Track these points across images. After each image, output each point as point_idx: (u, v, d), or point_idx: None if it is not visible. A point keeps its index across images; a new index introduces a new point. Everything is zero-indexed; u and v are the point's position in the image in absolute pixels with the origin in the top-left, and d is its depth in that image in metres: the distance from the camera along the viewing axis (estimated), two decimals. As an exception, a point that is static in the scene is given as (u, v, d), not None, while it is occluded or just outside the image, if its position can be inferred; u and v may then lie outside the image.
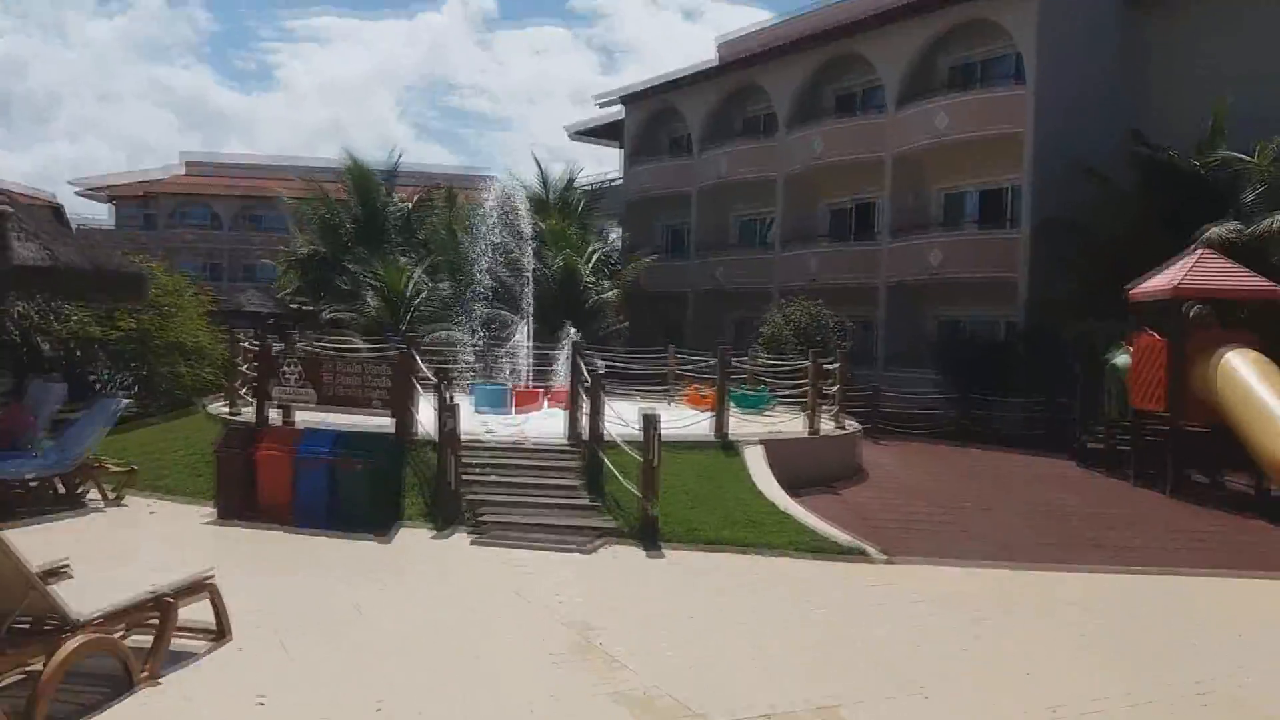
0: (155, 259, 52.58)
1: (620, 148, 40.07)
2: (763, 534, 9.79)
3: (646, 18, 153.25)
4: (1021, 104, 25.23)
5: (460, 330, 27.61)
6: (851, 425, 16.28)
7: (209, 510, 10.54)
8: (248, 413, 12.37)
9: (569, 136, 43.87)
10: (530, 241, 30.87)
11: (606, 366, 19.54)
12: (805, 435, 14.36)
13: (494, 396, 16.46)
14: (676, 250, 37.03)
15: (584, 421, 11.69)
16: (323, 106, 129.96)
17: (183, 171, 65.48)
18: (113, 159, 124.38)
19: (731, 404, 19.80)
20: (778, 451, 13.02)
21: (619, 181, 39.42)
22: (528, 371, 18.99)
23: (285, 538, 9.64)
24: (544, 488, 10.76)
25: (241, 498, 10.30)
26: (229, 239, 61.97)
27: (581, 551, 9.27)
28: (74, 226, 56.37)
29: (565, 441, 11.92)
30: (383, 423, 11.02)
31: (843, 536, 9.88)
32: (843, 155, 29.43)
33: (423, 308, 30.63)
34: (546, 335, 25.80)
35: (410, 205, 36.55)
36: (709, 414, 17.10)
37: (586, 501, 10.52)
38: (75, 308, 19.29)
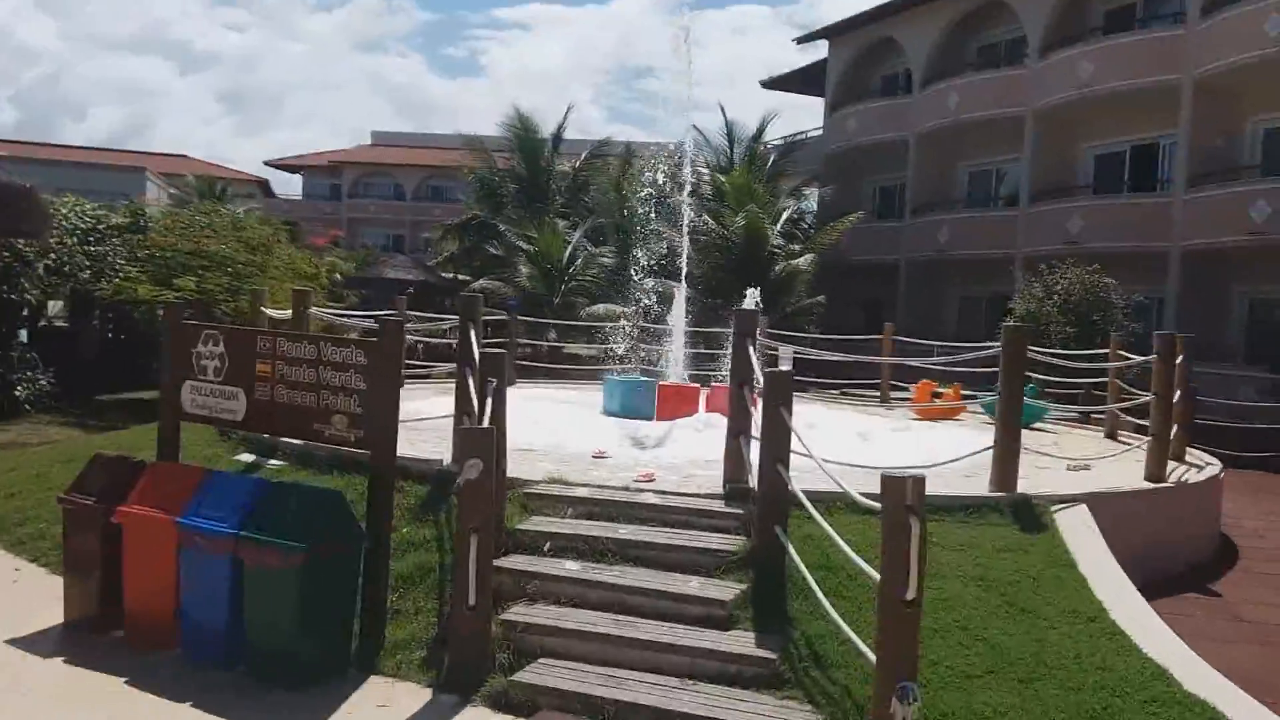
0: (339, 229, 51.40)
1: (821, 96, 33.84)
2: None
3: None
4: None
5: (624, 306, 22.80)
6: (1207, 464, 9.89)
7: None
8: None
9: (761, 85, 37.88)
10: (708, 200, 25.49)
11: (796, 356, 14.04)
12: (1144, 486, 8.23)
13: (631, 395, 11.17)
14: (886, 212, 30.61)
15: (754, 455, 6.21)
16: (523, 91, 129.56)
17: (368, 144, 64.33)
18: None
19: (985, 413, 13.90)
20: (1106, 517, 7.09)
21: (818, 134, 33.28)
22: (682, 360, 13.54)
23: (121, 703, 4.69)
24: (666, 601, 5.33)
25: (101, 594, 5.47)
26: (411, 210, 59.90)
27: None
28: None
29: (719, 494, 6.46)
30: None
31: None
32: (1119, 82, 22.14)
33: (581, 277, 25.97)
34: (724, 313, 20.44)
35: (577, 165, 31.93)
36: (954, 427, 11.39)
37: (750, 647, 5.01)
38: (127, 262, 15.54)
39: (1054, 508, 7.04)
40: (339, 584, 5.00)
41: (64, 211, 15.62)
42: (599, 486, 6.58)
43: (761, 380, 5.78)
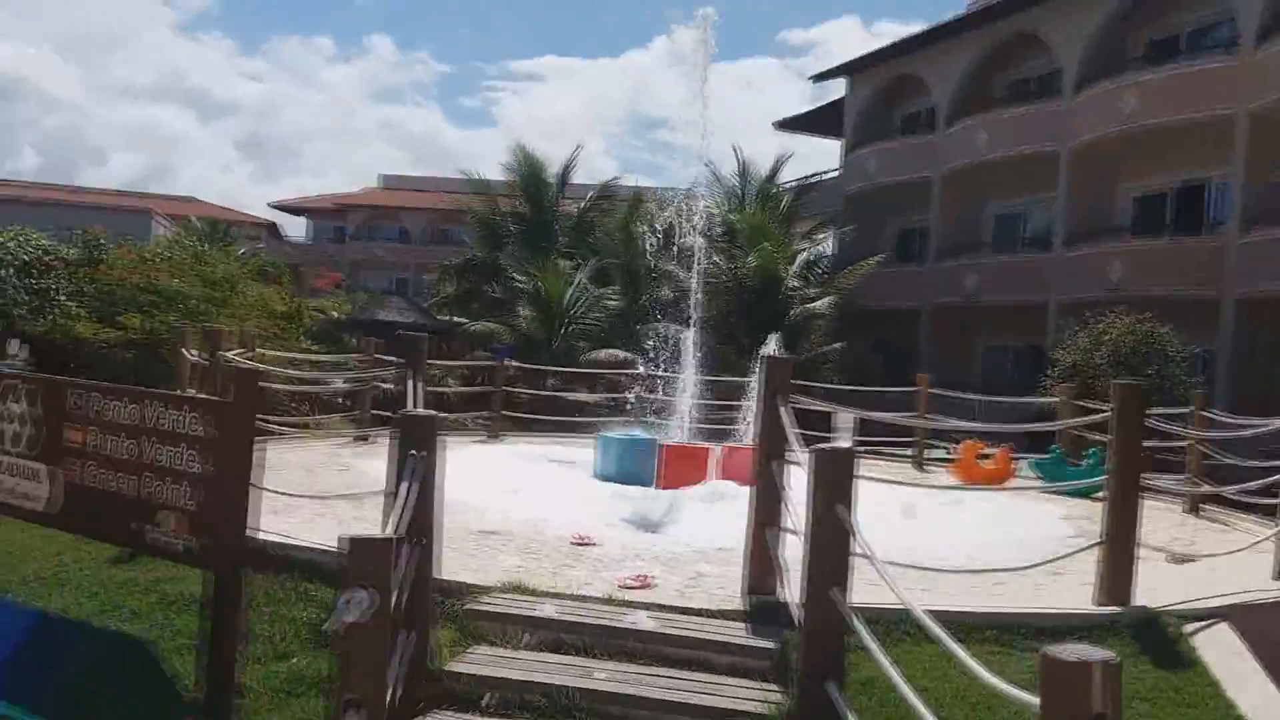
0: (341, 271, 50.03)
1: (838, 137, 32.37)
2: None
3: (860, 44, 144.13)
4: None
5: (629, 351, 21.11)
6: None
7: None
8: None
9: (774, 126, 36.47)
10: (719, 240, 23.87)
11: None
12: (1285, 586, 6.38)
13: (628, 456, 9.39)
14: (906, 255, 28.96)
15: (783, 554, 4.45)
16: (537, 140, 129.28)
17: (376, 188, 63.36)
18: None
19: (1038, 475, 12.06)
20: (1251, 636, 5.28)
21: (835, 175, 31.76)
22: (690, 413, 11.71)
23: None
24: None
25: None
26: (416, 253, 58.56)
27: None
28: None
29: (739, 610, 4.67)
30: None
31: None
32: (1164, 118, 20.51)
33: (583, 320, 24.30)
34: (735, 360, 18.69)
35: (583, 204, 30.50)
36: (1011, 497, 9.73)
37: None
38: (68, 296, 13.93)
39: (1187, 628, 5.22)
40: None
41: (1, 240, 14.03)
42: (572, 599, 4.78)
43: (807, 459, 3.99)
